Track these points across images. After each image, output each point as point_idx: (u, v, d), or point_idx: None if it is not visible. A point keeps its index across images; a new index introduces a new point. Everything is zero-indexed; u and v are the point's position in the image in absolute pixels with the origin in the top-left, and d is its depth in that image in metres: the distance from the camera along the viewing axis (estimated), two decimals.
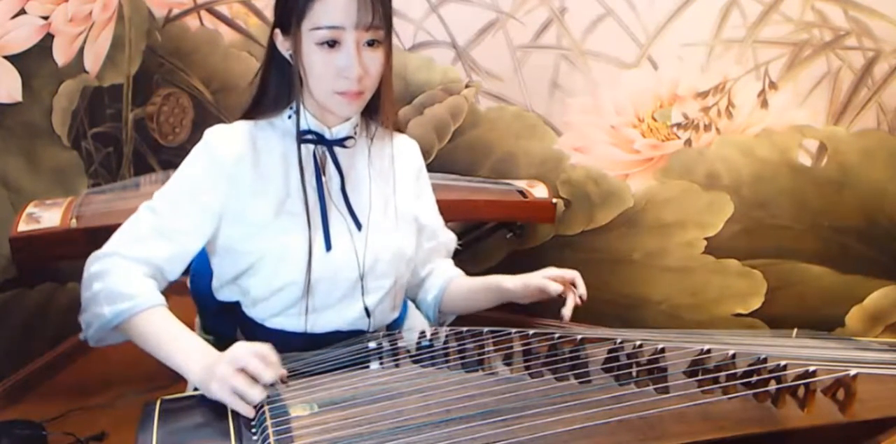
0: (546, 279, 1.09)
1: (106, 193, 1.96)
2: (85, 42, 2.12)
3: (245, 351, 0.86)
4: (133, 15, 2.32)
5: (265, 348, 0.87)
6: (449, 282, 1.23)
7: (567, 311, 1.08)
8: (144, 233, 1.01)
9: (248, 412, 0.84)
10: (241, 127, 1.06)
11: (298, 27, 0.96)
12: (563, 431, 0.80)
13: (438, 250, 1.26)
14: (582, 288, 1.11)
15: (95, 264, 1.01)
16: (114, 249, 1.01)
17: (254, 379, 0.85)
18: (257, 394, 0.84)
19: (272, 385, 0.87)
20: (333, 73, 0.97)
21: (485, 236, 2.13)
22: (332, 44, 0.96)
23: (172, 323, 0.96)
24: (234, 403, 0.85)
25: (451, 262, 1.29)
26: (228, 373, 0.85)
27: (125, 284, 0.97)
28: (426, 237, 1.22)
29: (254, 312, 1.09)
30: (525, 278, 1.12)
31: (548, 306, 1.12)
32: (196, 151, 1.04)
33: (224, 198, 1.02)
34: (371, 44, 0.97)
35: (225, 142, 1.03)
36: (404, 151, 1.18)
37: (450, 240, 1.28)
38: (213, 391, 0.86)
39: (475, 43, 2.14)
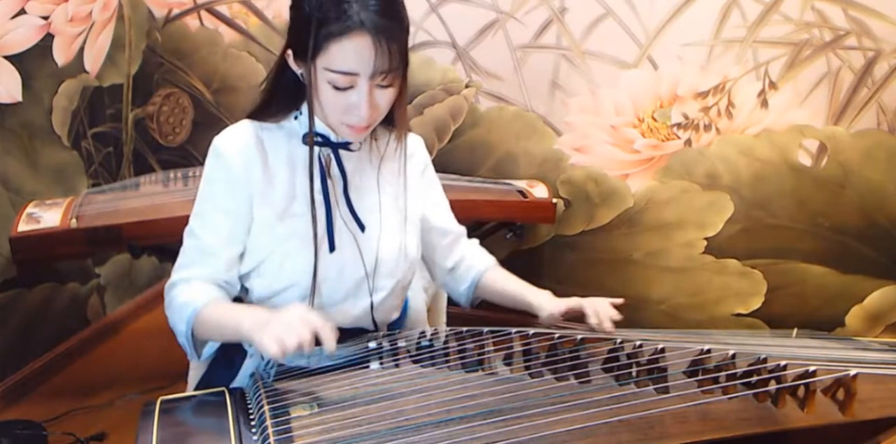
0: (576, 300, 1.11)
1: (106, 193, 1.96)
2: (85, 42, 2.12)
3: (305, 318, 0.88)
4: (133, 15, 2.32)
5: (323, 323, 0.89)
6: (481, 275, 1.24)
7: (593, 320, 1.08)
8: (192, 257, 1.06)
9: (280, 356, 0.85)
10: (247, 127, 1.06)
11: (313, 61, 0.94)
12: (563, 431, 0.80)
13: (457, 241, 1.27)
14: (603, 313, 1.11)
15: (166, 298, 1.06)
16: (172, 280, 1.06)
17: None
18: (308, 348, 0.86)
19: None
20: (343, 108, 0.97)
21: (485, 236, 2.13)
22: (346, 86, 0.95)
23: (228, 306, 1.02)
24: (274, 347, 0.85)
25: (478, 246, 1.30)
26: (287, 325, 0.86)
27: (184, 296, 1.02)
28: (439, 234, 1.23)
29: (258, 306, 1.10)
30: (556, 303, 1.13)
31: None
32: (208, 162, 1.05)
33: (245, 197, 1.03)
34: (385, 86, 0.97)
35: (232, 144, 1.03)
36: (413, 152, 1.19)
37: (462, 229, 1.28)
38: (262, 339, 0.86)
39: (475, 43, 2.14)
